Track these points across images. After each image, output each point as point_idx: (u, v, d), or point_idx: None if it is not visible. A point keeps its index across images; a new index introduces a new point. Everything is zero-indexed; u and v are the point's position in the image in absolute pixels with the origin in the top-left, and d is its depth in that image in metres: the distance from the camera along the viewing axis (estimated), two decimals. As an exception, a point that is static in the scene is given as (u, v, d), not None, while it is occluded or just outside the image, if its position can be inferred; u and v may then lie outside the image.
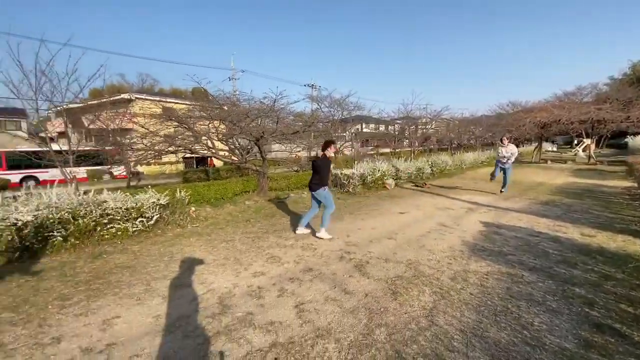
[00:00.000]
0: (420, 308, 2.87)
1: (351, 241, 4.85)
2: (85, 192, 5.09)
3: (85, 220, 4.53)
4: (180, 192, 6.24)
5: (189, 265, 3.96)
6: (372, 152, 22.70)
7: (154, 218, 5.20)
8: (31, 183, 14.57)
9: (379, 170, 9.81)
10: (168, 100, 22.82)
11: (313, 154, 20.69)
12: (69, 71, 7.00)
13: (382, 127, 37.50)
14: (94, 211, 4.62)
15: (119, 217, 4.83)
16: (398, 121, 24.71)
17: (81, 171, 13.89)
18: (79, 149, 8.09)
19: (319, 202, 5.25)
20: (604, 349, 2.27)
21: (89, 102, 14.31)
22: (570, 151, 22.83)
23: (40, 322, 2.74)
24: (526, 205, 7.38)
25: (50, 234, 4.27)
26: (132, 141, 9.99)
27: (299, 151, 14.14)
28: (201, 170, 15.63)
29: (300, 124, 10.62)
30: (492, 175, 9.19)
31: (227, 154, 9.74)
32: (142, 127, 8.41)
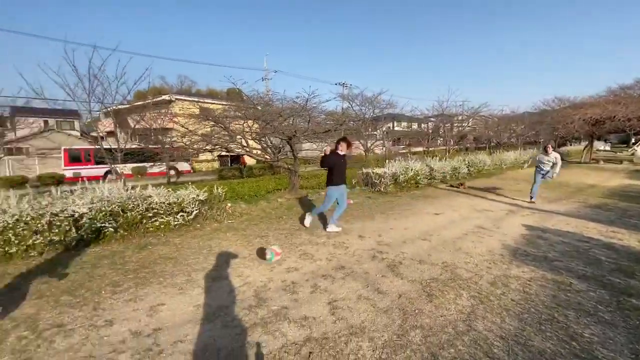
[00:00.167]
0: (457, 312, 2.78)
1: (383, 241, 4.79)
2: (133, 188, 5.47)
3: (132, 213, 4.88)
4: (217, 188, 6.51)
5: (226, 258, 4.13)
6: (404, 151, 22.19)
7: (194, 213, 5.48)
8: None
9: (411, 170, 9.58)
10: (205, 100, 23.87)
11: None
12: (118, 75, 7.57)
13: (414, 126, 36.56)
14: (140, 205, 4.97)
15: (162, 211, 5.15)
16: (432, 119, 23.95)
17: (127, 168, 15.10)
18: (127, 147, 8.70)
19: (342, 198, 5.30)
20: (667, 368, 2.07)
21: (134, 104, 15.35)
22: (627, 151, 20.83)
23: (95, 305, 3.00)
24: (574, 208, 6.86)
25: (103, 225, 4.65)
26: (172, 140, 10.57)
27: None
28: (235, 168, 16.20)
29: (331, 122, 10.66)
30: (532, 193, 7.62)
31: (259, 152, 10.01)
32: (183, 126, 8.85)
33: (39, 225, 4.20)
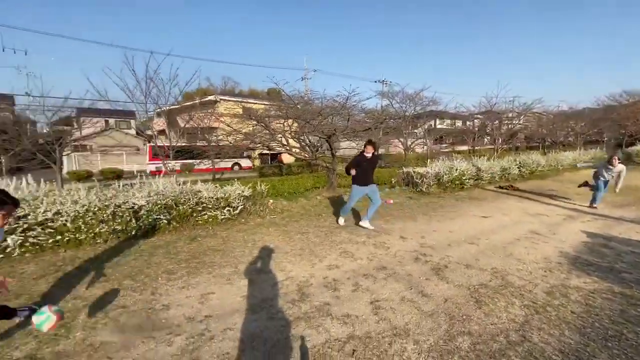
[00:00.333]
0: (509, 321, 2.62)
1: (426, 243, 4.65)
2: (184, 183, 5.84)
3: (184, 206, 5.23)
4: (260, 185, 6.74)
5: (269, 252, 4.27)
6: (448, 150, 21.26)
7: (239, 208, 5.74)
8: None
9: (456, 169, 9.16)
10: (248, 100, 24.79)
11: (381, 150, 20.29)
12: (171, 77, 8.13)
13: (458, 123, 34.79)
14: (191, 199, 5.30)
15: (210, 206, 5.46)
16: (479, 116, 22.65)
17: (177, 164, 16.52)
18: (177, 144, 9.33)
19: (373, 196, 5.40)
20: None
21: (183, 104, 16.38)
22: None
23: (153, 290, 3.25)
24: (647, 215, 6.13)
25: (158, 217, 5.03)
26: (218, 138, 11.12)
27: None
28: (275, 166, 16.66)
29: (370, 121, 10.53)
30: (594, 199, 6.86)
31: (298, 150, 10.19)
32: (228, 125, 9.27)
33: (104, 215, 4.64)
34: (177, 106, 13.92)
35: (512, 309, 2.79)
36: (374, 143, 5.42)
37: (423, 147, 20.56)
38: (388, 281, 3.39)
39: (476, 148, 20.02)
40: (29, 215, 4.17)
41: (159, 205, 5.05)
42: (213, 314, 2.77)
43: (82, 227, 4.47)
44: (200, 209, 5.40)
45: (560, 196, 8.26)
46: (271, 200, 6.81)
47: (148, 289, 3.28)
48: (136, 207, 4.92)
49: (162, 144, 9.98)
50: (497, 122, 20.18)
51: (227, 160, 13.91)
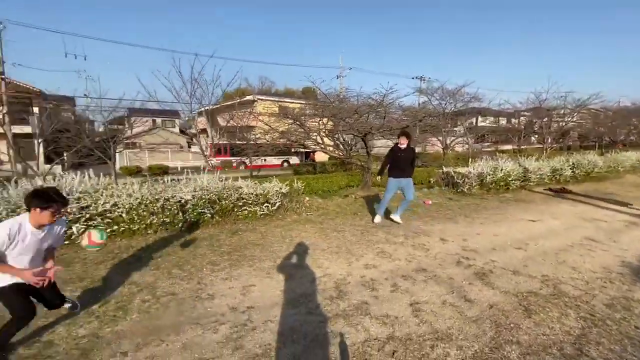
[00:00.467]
0: (564, 333, 2.44)
1: (468, 246, 4.45)
2: (225, 179, 6.10)
3: (226, 202, 5.48)
4: (297, 182, 6.86)
5: (306, 249, 4.34)
6: (491, 149, 20.13)
7: (277, 204, 5.89)
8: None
9: (501, 170, 8.65)
10: (285, 100, 25.26)
11: (418, 149, 19.66)
12: (214, 78, 8.52)
13: (502, 121, 32.73)
14: (232, 195, 5.53)
15: (250, 201, 5.66)
16: (525, 113, 21.16)
17: (234, 160, 18.78)
18: (219, 142, 9.75)
19: (406, 191, 5.38)
20: None
21: (223, 104, 17.08)
22: None
23: (199, 280, 3.45)
24: None
25: (202, 211, 5.30)
26: (257, 137, 11.47)
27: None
28: (309, 164, 16.84)
29: (407, 118, 10.27)
30: None
31: (332, 149, 10.21)
32: (266, 124, 9.52)
33: (155, 208, 4.98)
34: (218, 106, 14.56)
35: (566, 320, 2.60)
36: (408, 134, 5.36)
37: (463, 146, 19.62)
38: (428, 284, 3.31)
39: (522, 147, 18.73)
40: (90, 206, 4.60)
41: (204, 200, 5.33)
42: (255, 306, 2.88)
43: (136, 219, 4.83)
44: (241, 204, 5.62)
45: (621, 201, 7.50)
46: (307, 198, 6.90)
47: (194, 279, 3.47)
48: (183, 201, 5.22)
49: (221, 143, 10.50)
50: (546, 119, 18.72)
51: (278, 157, 14.51)
